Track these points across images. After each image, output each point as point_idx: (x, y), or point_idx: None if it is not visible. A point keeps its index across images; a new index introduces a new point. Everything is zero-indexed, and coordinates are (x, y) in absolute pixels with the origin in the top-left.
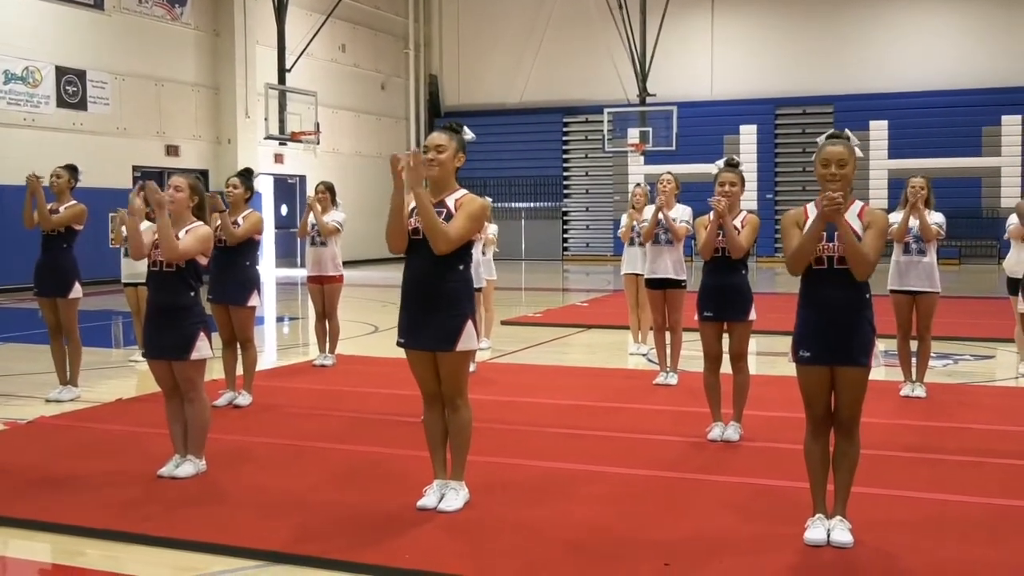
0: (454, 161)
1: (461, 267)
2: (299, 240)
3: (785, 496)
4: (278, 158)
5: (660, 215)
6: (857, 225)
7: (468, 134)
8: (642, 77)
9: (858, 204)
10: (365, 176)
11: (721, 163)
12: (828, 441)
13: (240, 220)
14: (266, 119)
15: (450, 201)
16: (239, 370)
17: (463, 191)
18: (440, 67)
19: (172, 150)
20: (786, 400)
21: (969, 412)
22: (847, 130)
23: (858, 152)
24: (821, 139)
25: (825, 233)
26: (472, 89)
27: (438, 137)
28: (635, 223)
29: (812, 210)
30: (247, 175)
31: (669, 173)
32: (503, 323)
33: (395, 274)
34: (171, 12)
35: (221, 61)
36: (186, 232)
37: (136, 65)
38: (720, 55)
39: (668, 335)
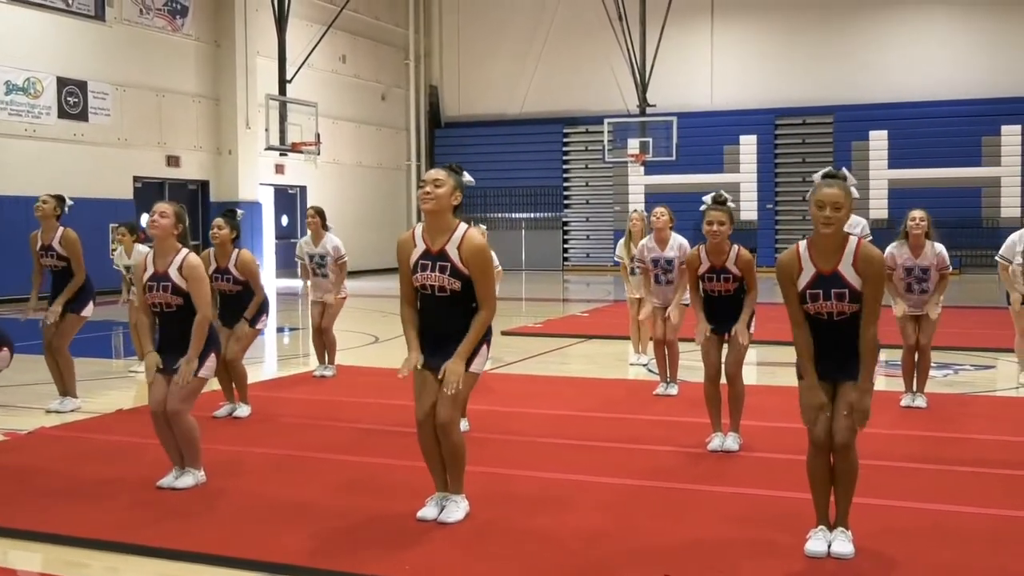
0: (451, 198)
1: (474, 305)
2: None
3: (785, 507)
4: (279, 169)
5: (658, 252)
6: (851, 275)
7: (467, 177)
8: (642, 87)
9: (852, 244)
10: (366, 187)
11: (708, 199)
12: (830, 456)
13: (232, 269)
14: (267, 130)
15: (452, 250)
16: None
17: (461, 229)
18: (440, 78)
19: (173, 161)
20: (785, 410)
21: (970, 422)
22: (844, 169)
23: (854, 192)
24: (816, 177)
25: (821, 291)
26: (472, 100)
27: (436, 172)
28: (634, 255)
29: (805, 258)
30: (232, 216)
31: (663, 206)
32: (503, 333)
33: (394, 284)
34: (172, 23)
35: (222, 72)
36: (179, 270)
37: (137, 76)
38: (720, 65)
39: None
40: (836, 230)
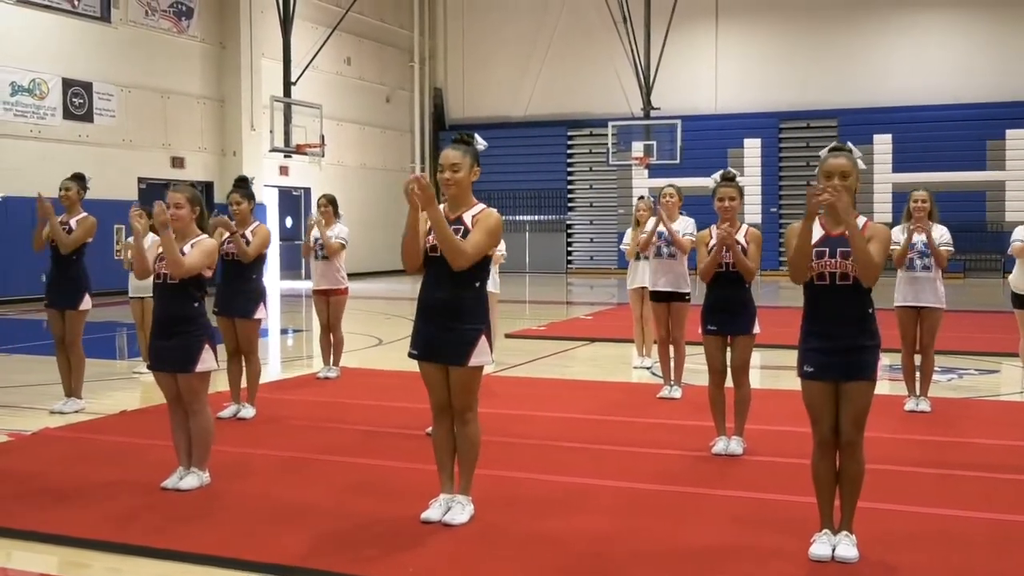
0: (470, 176)
1: (477, 284)
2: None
3: (789, 510)
4: (283, 170)
5: (663, 227)
6: None
7: (480, 143)
8: (646, 90)
9: (861, 220)
10: (370, 189)
11: (718, 176)
12: (835, 458)
13: (249, 235)
14: (271, 131)
15: (467, 217)
16: (243, 382)
17: (480, 205)
18: (445, 80)
19: (177, 162)
20: (790, 414)
21: (973, 427)
22: (849, 143)
23: (861, 164)
24: (824, 152)
25: (827, 248)
26: (477, 102)
27: (452, 155)
28: (640, 236)
29: (815, 223)
30: (245, 185)
31: (672, 186)
32: (507, 336)
33: (399, 286)
34: (178, 25)
35: (227, 73)
36: (191, 246)
37: (142, 77)
38: (724, 68)
39: (671, 348)
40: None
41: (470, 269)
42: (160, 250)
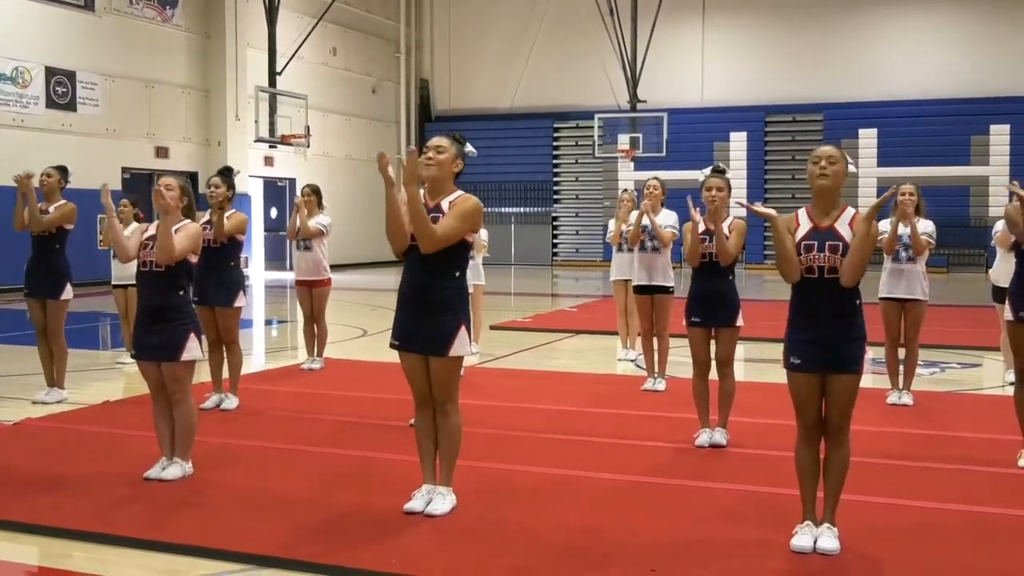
0: (452, 165)
1: (457, 274)
2: (288, 242)
3: (773, 502)
4: (268, 161)
5: (646, 220)
6: (847, 232)
7: (469, 148)
8: (633, 83)
9: (850, 212)
10: (355, 180)
11: (708, 169)
12: (819, 449)
13: (224, 218)
14: (256, 122)
15: (445, 204)
16: (225, 372)
17: (459, 192)
18: (431, 71)
19: (162, 152)
20: (774, 407)
21: (956, 420)
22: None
23: (851, 168)
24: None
25: (816, 242)
26: (463, 93)
27: (439, 139)
28: (623, 228)
29: (803, 216)
30: (228, 173)
31: (656, 178)
32: (492, 328)
33: (384, 278)
34: (162, 14)
35: (212, 63)
36: (176, 231)
37: (126, 66)
38: (711, 62)
39: (655, 341)
40: (832, 184)
41: (449, 258)
42: (145, 236)
